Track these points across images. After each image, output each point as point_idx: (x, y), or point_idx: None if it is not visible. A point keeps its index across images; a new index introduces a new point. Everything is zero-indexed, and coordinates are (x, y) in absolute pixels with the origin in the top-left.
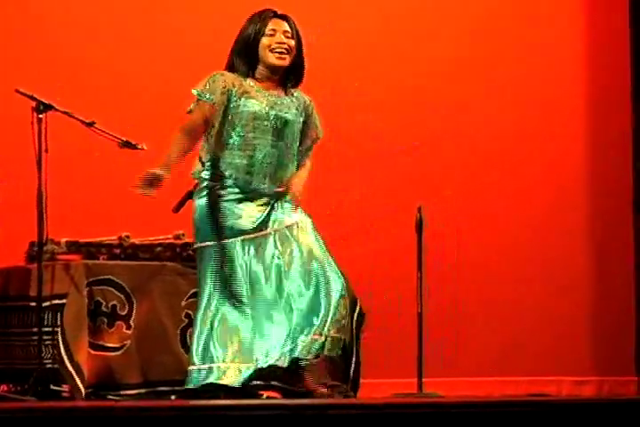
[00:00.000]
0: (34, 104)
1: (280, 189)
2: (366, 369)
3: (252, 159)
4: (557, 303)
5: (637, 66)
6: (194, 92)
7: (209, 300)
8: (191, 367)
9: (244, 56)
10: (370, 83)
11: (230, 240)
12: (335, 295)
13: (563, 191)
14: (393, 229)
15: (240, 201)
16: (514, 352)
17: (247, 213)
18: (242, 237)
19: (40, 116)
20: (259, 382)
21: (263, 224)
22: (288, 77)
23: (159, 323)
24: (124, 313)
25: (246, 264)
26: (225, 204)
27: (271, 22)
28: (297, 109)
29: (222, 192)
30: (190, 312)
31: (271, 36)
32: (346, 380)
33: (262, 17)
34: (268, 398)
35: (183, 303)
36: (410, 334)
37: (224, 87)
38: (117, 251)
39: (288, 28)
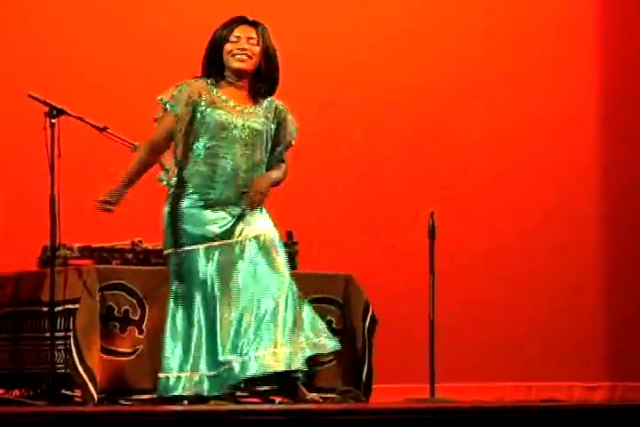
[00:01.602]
0: (46, 109)
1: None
2: (378, 374)
3: (217, 169)
4: (569, 309)
5: None
6: (159, 99)
7: (175, 307)
8: (167, 375)
9: (212, 62)
10: (370, 83)
11: (193, 248)
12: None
13: (574, 196)
14: (404, 233)
15: (204, 209)
16: (526, 358)
17: (211, 221)
18: (205, 245)
19: (53, 120)
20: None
21: (228, 233)
22: (259, 86)
23: None
24: (136, 318)
25: (209, 272)
26: (188, 211)
27: (237, 29)
28: (266, 118)
29: (186, 200)
30: None
31: (234, 42)
32: (358, 385)
33: (230, 24)
34: (279, 402)
35: None
36: (422, 339)
37: (189, 97)
38: (130, 256)
39: (254, 35)
